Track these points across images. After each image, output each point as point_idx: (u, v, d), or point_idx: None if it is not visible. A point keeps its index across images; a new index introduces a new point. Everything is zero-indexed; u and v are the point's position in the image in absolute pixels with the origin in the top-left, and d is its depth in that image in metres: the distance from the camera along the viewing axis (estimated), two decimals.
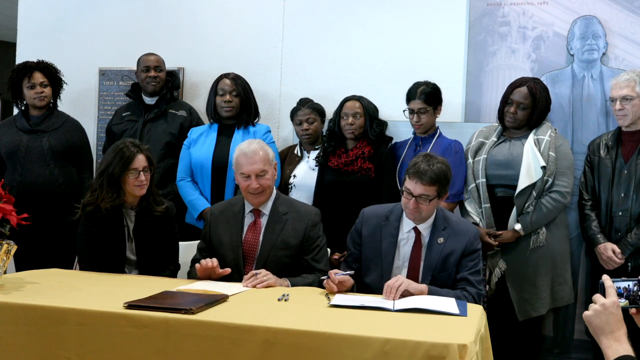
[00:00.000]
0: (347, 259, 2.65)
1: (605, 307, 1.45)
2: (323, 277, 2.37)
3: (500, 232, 3.01)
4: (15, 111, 4.18)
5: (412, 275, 2.45)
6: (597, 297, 1.48)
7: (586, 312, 1.47)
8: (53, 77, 3.53)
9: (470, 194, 3.11)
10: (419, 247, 2.49)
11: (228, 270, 2.51)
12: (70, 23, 4.25)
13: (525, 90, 3.08)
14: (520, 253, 3.03)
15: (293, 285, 2.49)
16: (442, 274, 2.44)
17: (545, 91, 3.12)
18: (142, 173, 2.67)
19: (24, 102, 3.55)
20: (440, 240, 2.47)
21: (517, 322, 3.03)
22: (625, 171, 2.96)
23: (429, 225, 2.50)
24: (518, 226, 2.99)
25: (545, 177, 2.99)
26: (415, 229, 2.51)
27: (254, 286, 2.38)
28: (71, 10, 4.26)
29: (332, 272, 2.33)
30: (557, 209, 3.02)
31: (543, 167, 2.98)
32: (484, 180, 3.06)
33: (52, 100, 3.56)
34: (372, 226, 2.56)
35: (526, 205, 2.99)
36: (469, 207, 3.10)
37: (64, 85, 3.62)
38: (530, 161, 2.99)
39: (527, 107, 3.07)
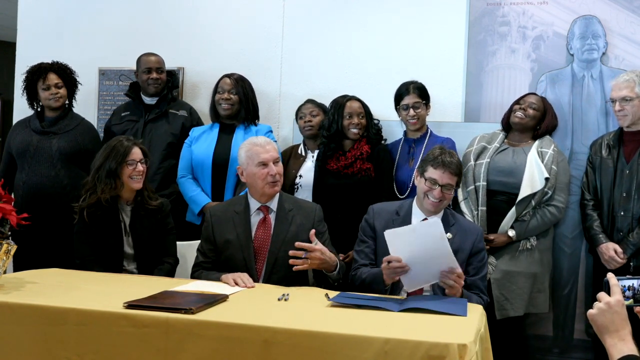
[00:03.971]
0: (363, 249, 2.63)
1: (609, 306, 1.43)
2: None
3: (492, 238, 3.02)
4: (16, 111, 4.20)
5: None
6: (602, 295, 1.46)
7: (590, 311, 1.46)
8: (67, 77, 3.53)
9: (469, 195, 3.11)
10: None
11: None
12: (70, 23, 4.25)
13: (537, 96, 3.20)
14: (509, 252, 3.05)
15: (340, 268, 2.54)
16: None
17: (553, 109, 3.21)
18: (139, 164, 2.75)
19: (40, 104, 3.55)
20: (449, 235, 2.51)
21: (497, 321, 3.02)
22: (627, 171, 2.97)
23: (438, 218, 2.55)
24: (512, 232, 3.02)
25: (545, 189, 3.01)
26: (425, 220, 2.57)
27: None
28: (71, 10, 4.26)
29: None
30: (552, 222, 3.08)
31: (546, 179, 3.00)
32: (485, 183, 3.06)
33: (67, 101, 3.56)
34: (385, 220, 2.62)
35: (523, 213, 3.01)
36: (465, 208, 3.11)
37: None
38: (534, 171, 3.01)
39: (539, 109, 3.14)
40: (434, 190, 2.51)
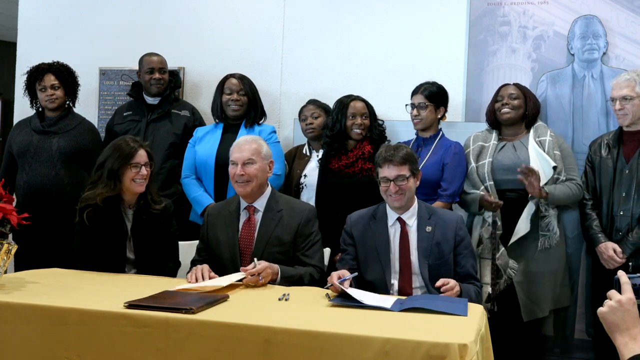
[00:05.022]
0: (344, 257, 2.66)
1: (621, 304, 1.40)
2: (327, 286, 2.30)
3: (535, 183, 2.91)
4: (17, 111, 4.21)
5: (404, 264, 2.54)
6: (613, 293, 1.43)
7: (601, 309, 1.43)
8: (65, 78, 3.52)
9: None
10: (405, 236, 2.56)
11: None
12: (70, 23, 4.25)
13: (512, 85, 3.19)
14: (529, 254, 3.02)
15: (282, 273, 2.48)
16: (438, 262, 2.51)
17: (531, 91, 3.22)
18: (143, 167, 2.67)
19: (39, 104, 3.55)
20: (429, 228, 2.54)
21: (519, 322, 3.03)
22: (627, 171, 2.96)
23: (413, 214, 2.58)
24: (548, 188, 2.93)
25: (555, 176, 2.99)
26: (400, 219, 2.58)
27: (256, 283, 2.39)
28: (71, 10, 4.26)
29: (334, 279, 2.26)
30: (576, 196, 3.02)
31: (554, 168, 2.98)
32: (492, 183, 3.04)
33: (67, 102, 3.56)
34: (362, 226, 2.63)
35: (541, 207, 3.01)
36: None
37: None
38: (538, 163, 2.99)
39: (519, 97, 3.13)
40: (389, 187, 2.52)
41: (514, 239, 3.02)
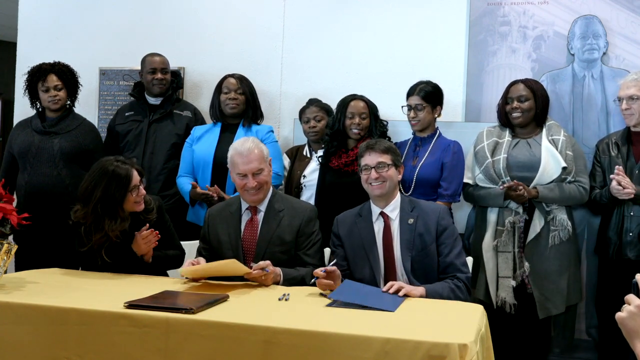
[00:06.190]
0: (334, 258, 2.65)
1: None
2: (312, 281, 2.31)
3: (522, 187, 2.92)
4: (17, 111, 4.21)
5: (388, 257, 2.53)
6: (631, 297, 1.36)
7: (620, 314, 1.36)
8: (68, 79, 3.52)
9: None
10: (388, 230, 2.56)
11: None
12: (70, 23, 4.25)
13: (521, 85, 3.11)
14: (540, 252, 3.00)
15: (285, 275, 2.49)
16: (421, 253, 2.49)
17: (540, 84, 3.16)
18: (140, 187, 2.63)
19: (41, 104, 3.55)
20: (411, 220, 2.54)
21: (527, 321, 3.02)
22: (637, 171, 2.94)
23: (395, 207, 2.58)
24: (541, 188, 2.95)
25: (563, 176, 2.97)
26: (382, 214, 2.58)
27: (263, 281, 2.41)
28: (71, 10, 4.26)
29: (317, 271, 2.29)
30: (576, 198, 3.00)
31: (564, 168, 2.96)
32: (509, 179, 3.00)
33: (68, 103, 3.56)
34: (348, 225, 2.63)
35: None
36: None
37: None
38: (548, 161, 2.97)
39: (528, 97, 3.07)
40: (370, 175, 2.53)
41: (530, 237, 3.00)
